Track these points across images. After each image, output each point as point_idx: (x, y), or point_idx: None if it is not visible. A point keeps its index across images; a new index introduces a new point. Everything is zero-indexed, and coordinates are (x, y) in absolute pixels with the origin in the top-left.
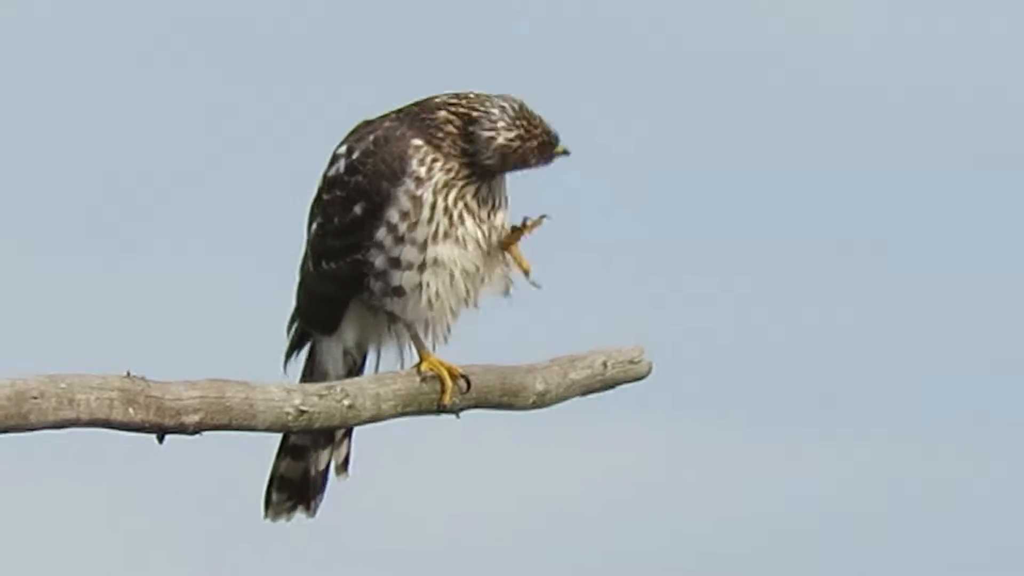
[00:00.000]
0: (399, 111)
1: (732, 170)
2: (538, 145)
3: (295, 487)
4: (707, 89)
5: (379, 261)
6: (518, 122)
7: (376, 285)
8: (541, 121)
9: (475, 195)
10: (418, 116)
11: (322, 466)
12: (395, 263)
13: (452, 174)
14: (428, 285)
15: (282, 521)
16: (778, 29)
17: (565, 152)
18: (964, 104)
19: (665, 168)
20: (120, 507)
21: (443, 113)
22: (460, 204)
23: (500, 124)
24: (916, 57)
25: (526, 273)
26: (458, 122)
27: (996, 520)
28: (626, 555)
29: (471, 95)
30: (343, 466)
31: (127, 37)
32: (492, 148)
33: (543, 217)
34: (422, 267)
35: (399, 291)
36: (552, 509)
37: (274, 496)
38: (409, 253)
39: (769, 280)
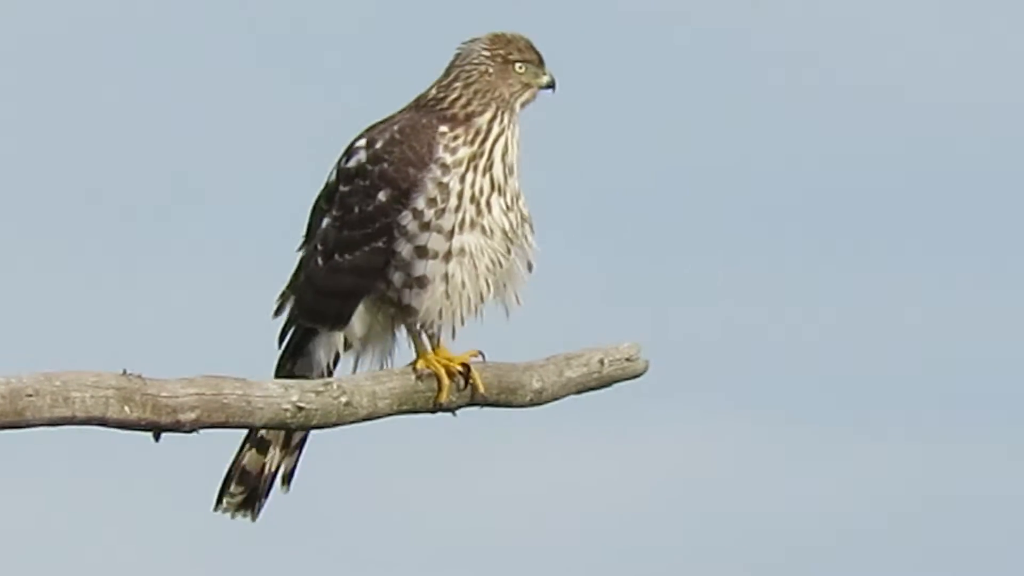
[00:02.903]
0: (411, 105)
1: (732, 170)
2: (524, 49)
3: (251, 481)
4: (706, 89)
5: (404, 250)
6: (501, 32)
7: (396, 275)
8: (523, 45)
9: (502, 158)
10: (436, 99)
11: (273, 467)
12: (422, 252)
13: (472, 136)
14: (452, 275)
15: (227, 516)
16: (782, 23)
17: (549, 84)
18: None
19: (666, 168)
20: (116, 505)
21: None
22: (485, 182)
23: (479, 39)
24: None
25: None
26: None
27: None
28: (627, 553)
29: None
30: (286, 479)
31: (126, 37)
32: (479, 49)
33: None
34: (447, 256)
35: (422, 281)
36: (550, 508)
37: (232, 487)
38: (436, 241)
39: (767, 279)
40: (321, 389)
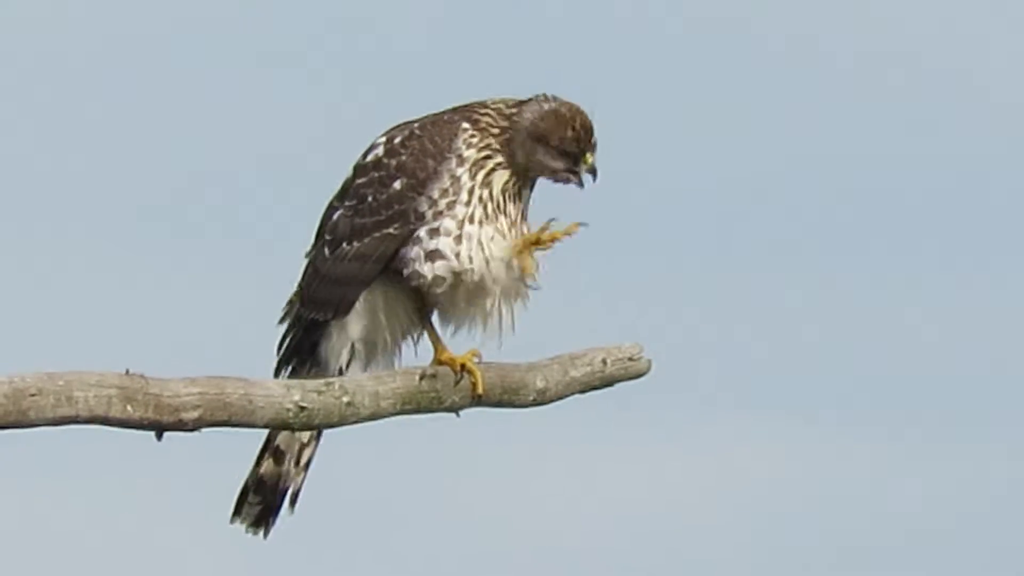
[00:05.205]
0: (442, 112)
1: (736, 170)
2: (573, 135)
3: (268, 494)
4: (705, 89)
5: (421, 231)
6: (568, 107)
7: (412, 251)
8: (587, 124)
9: (505, 185)
10: (468, 107)
11: (286, 484)
12: (434, 232)
13: (486, 152)
14: (463, 260)
15: (243, 529)
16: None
17: (590, 171)
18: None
19: (669, 167)
20: (118, 503)
21: (492, 104)
22: (488, 191)
23: (552, 103)
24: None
25: (529, 276)
26: (509, 107)
27: None
28: (628, 552)
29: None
30: (292, 500)
31: (128, 37)
32: (533, 111)
33: (578, 224)
34: (458, 240)
35: (434, 256)
36: (553, 507)
37: (250, 497)
38: (449, 224)
39: (768, 279)
40: (323, 389)
